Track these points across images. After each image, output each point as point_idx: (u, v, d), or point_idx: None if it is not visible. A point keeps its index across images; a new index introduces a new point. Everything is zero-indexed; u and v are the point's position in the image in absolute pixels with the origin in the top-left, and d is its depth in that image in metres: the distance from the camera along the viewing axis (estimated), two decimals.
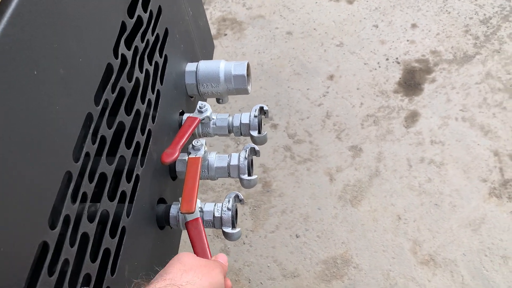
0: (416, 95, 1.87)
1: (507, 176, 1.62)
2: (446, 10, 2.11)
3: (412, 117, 1.81)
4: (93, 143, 0.64)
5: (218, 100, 1.09)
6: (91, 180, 0.63)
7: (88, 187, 0.62)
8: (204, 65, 1.01)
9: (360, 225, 1.59)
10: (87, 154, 0.63)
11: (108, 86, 0.68)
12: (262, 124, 1.00)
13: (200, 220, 0.82)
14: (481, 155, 1.68)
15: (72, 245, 0.58)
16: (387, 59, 1.99)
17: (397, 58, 1.99)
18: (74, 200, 0.59)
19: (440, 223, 1.56)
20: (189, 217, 0.82)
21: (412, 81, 1.92)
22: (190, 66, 1.02)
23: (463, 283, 1.44)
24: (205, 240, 0.80)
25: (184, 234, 1.65)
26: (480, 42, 1.98)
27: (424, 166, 1.68)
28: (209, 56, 1.22)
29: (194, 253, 0.79)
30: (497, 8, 2.07)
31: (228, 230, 0.85)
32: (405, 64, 1.96)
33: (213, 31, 2.22)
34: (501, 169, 1.64)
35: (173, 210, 0.85)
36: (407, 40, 2.03)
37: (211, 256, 0.78)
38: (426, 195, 1.62)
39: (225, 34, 2.20)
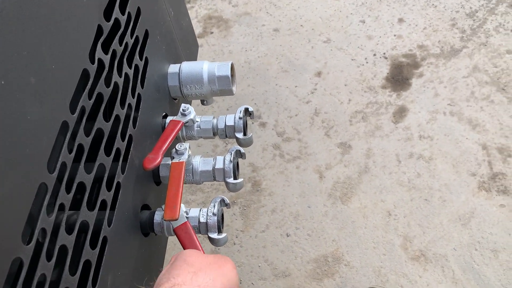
0: (404, 90, 1.87)
1: (496, 169, 1.62)
2: (433, 4, 2.10)
3: (401, 113, 1.81)
4: (70, 152, 0.62)
5: (202, 102, 1.07)
6: (68, 190, 0.61)
7: (65, 198, 0.60)
8: (187, 67, 0.99)
9: (350, 222, 1.59)
10: (64, 164, 0.61)
11: (84, 93, 0.65)
12: (248, 124, 0.98)
13: (188, 224, 0.80)
14: (469, 149, 1.68)
15: (49, 259, 0.56)
16: (374, 55, 1.98)
17: (384, 53, 1.98)
18: (50, 212, 0.57)
19: (430, 218, 1.56)
20: (176, 224, 0.80)
21: (399, 76, 1.91)
22: (173, 68, 1.00)
23: (454, 278, 1.44)
24: (197, 242, 0.78)
25: (171, 238, 1.64)
26: (467, 35, 1.98)
27: (413, 162, 1.68)
28: (193, 56, 1.20)
29: None
30: (483, 1, 2.07)
31: (214, 236, 0.83)
32: (393, 59, 1.96)
33: (199, 30, 2.19)
34: (489, 163, 1.64)
35: (158, 216, 0.83)
36: (394, 35, 2.03)
37: None
38: (416, 190, 1.62)
39: (211, 32, 2.18)
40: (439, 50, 1.96)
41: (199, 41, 2.14)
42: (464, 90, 1.83)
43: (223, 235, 0.84)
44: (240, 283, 1.52)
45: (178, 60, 1.04)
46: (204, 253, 0.75)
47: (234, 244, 1.60)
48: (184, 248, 0.76)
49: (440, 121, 1.76)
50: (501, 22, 1.99)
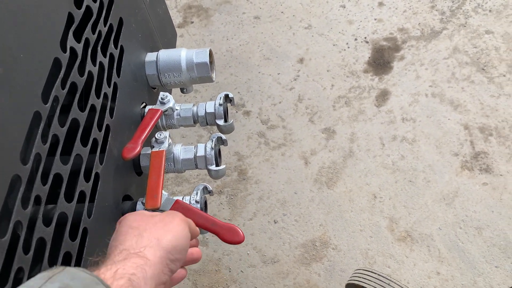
0: (386, 73, 1.87)
1: (478, 148, 1.64)
2: None
3: (383, 96, 1.82)
4: (45, 143, 0.61)
5: (182, 90, 1.06)
6: (44, 182, 0.60)
7: (41, 190, 0.59)
8: (164, 54, 0.98)
9: (336, 206, 1.60)
10: (38, 155, 0.59)
11: (57, 82, 0.64)
12: (232, 113, 0.97)
13: (180, 201, 0.79)
14: (452, 130, 1.70)
15: (26, 252, 0.55)
16: (355, 39, 1.98)
17: (365, 38, 1.98)
18: (25, 204, 0.56)
19: (415, 199, 1.58)
20: (167, 207, 0.78)
21: (381, 60, 1.91)
22: (150, 56, 0.98)
23: (440, 257, 1.46)
24: (200, 211, 0.76)
25: None
26: (446, 17, 1.99)
27: (396, 144, 1.69)
28: (171, 44, 1.18)
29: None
30: None
31: None
32: (374, 43, 1.96)
33: (179, 19, 2.17)
34: (471, 142, 1.66)
35: (139, 206, 0.83)
36: (375, 19, 2.03)
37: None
38: (400, 172, 1.63)
39: (192, 22, 2.16)
40: (420, 32, 1.96)
41: (180, 31, 2.12)
42: (445, 71, 1.84)
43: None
44: (230, 271, 1.52)
45: (155, 49, 1.03)
46: (214, 220, 0.75)
47: None
48: (196, 225, 0.74)
49: (422, 103, 1.77)
50: (479, 3, 2.00)
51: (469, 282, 1.41)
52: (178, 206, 0.78)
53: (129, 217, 0.58)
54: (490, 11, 1.97)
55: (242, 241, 0.72)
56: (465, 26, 1.94)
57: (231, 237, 0.72)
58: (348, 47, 1.96)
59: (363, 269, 1.26)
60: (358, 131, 1.74)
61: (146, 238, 0.53)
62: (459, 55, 1.87)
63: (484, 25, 1.93)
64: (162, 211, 0.79)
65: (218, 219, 0.75)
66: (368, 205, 1.58)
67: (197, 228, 0.65)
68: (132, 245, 0.52)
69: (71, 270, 0.44)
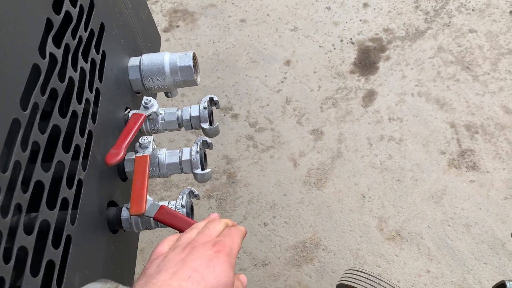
0: (372, 74, 1.88)
1: (464, 146, 1.66)
2: None
3: (370, 96, 1.82)
4: (25, 150, 0.60)
5: (167, 94, 1.05)
6: (25, 190, 0.59)
7: (21, 198, 0.58)
8: (147, 59, 0.97)
9: (326, 207, 1.60)
10: (18, 163, 0.58)
11: (36, 88, 0.63)
12: (220, 116, 0.97)
13: (165, 206, 0.79)
14: (438, 128, 1.71)
15: (7, 261, 0.54)
16: (341, 41, 1.99)
17: (351, 39, 1.99)
18: (5, 213, 0.55)
19: (403, 198, 1.58)
20: (152, 212, 0.78)
21: (367, 60, 1.92)
22: (133, 61, 0.97)
23: (429, 255, 1.47)
24: (185, 217, 0.76)
25: (148, 236, 1.61)
26: (431, 17, 2.00)
27: (384, 144, 1.70)
28: (155, 49, 1.17)
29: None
30: None
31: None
32: (359, 44, 1.97)
33: (164, 24, 2.16)
34: (458, 140, 1.67)
35: (125, 212, 0.82)
36: (360, 20, 2.04)
37: None
38: (388, 172, 1.64)
39: (178, 26, 2.15)
40: (404, 32, 1.98)
41: (165, 35, 2.11)
42: (431, 70, 1.85)
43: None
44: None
45: (138, 53, 1.02)
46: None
47: None
48: (180, 231, 0.73)
49: (409, 102, 1.79)
50: (462, 2, 2.02)
51: (458, 279, 1.42)
52: (163, 212, 0.77)
53: (164, 241, 0.57)
54: (473, 10, 1.99)
55: None
56: (449, 25, 1.96)
57: None
58: (334, 49, 1.97)
59: (353, 269, 1.26)
60: (345, 132, 1.75)
61: (183, 276, 0.50)
62: (444, 54, 1.89)
63: (468, 24, 1.95)
64: (147, 217, 0.78)
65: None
66: (357, 205, 1.59)
67: (243, 278, 0.60)
68: (165, 281, 0.49)
69: None
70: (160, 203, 0.79)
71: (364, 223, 1.55)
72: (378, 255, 1.49)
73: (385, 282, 1.20)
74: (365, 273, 1.22)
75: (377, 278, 1.20)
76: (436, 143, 1.68)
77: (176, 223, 0.76)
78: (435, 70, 1.85)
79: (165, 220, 0.77)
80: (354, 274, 1.24)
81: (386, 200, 1.58)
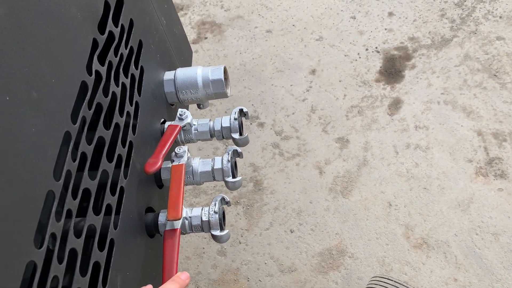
0: (398, 82, 1.90)
1: (492, 154, 1.65)
2: None
3: (395, 104, 1.84)
4: (74, 160, 0.66)
5: (199, 106, 1.10)
6: (74, 196, 0.65)
7: (72, 204, 0.64)
8: (181, 73, 1.03)
9: (352, 215, 1.62)
10: (69, 172, 0.64)
11: (84, 104, 0.69)
12: (246, 125, 1.01)
13: (178, 232, 0.83)
14: (465, 136, 1.71)
15: (60, 262, 0.59)
16: (366, 49, 2.01)
17: (376, 48, 2.01)
18: (59, 218, 0.61)
19: (430, 206, 1.59)
20: (169, 226, 0.83)
21: (392, 69, 1.94)
22: (168, 75, 1.03)
23: (456, 263, 1.47)
24: (176, 253, 0.81)
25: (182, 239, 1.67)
26: (457, 25, 2.01)
27: (410, 152, 1.71)
28: (187, 62, 1.23)
29: (162, 264, 0.78)
30: None
31: (217, 232, 0.87)
32: (385, 53, 1.99)
33: (193, 35, 2.23)
34: (485, 148, 1.67)
35: (161, 218, 0.87)
36: (385, 29, 2.06)
37: (176, 272, 0.77)
38: (415, 180, 1.65)
39: (206, 38, 2.22)
40: (430, 41, 1.99)
41: (194, 47, 2.18)
42: (457, 78, 1.86)
43: (225, 231, 0.87)
44: (248, 281, 1.55)
45: (173, 67, 1.08)
46: (177, 265, 0.78)
47: (240, 243, 1.63)
48: (163, 254, 0.78)
49: (435, 110, 1.79)
50: (489, 10, 2.01)
51: None
52: (171, 233, 0.82)
53: None
54: (500, 17, 1.98)
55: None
56: (475, 33, 1.96)
57: None
58: (360, 57, 2.00)
59: (380, 277, 1.27)
60: (371, 140, 1.77)
61: None
62: (471, 62, 1.89)
63: (495, 31, 1.95)
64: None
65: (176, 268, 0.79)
66: (383, 213, 1.60)
67: None
68: None
69: None
70: (186, 221, 0.85)
71: (391, 231, 1.56)
72: (405, 263, 1.50)
73: None
74: (392, 280, 1.24)
75: (404, 286, 1.21)
76: (463, 151, 1.68)
77: (166, 252, 0.81)
78: (461, 78, 1.85)
79: (165, 241, 0.81)
80: (381, 281, 1.26)
81: (412, 208, 1.59)
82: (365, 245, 1.55)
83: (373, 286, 1.26)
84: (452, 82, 1.85)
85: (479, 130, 1.71)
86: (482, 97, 1.79)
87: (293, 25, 2.17)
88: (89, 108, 0.71)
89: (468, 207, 1.56)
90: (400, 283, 1.22)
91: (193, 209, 0.88)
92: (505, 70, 1.83)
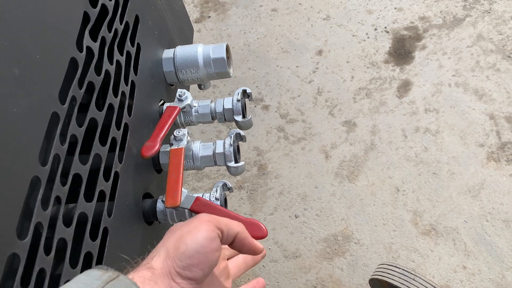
0: (407, 63, 1.83)
1: (504, 138, 1.59)
2: None
3: (405, 87, 1.77)
4: (63, 143, 0.61)
5: (200, 86, 1.05)
6: (63, 182, 0.60)
7: (61, 190, 0.59)
8: (181, 51, 0.97)
9: (358, 200, 1.57)
10: (57, 156, 0.59)
11: (74, 82, 0.64)
12: (251, 108, 0.96)
13: (201, 198, 0.78)
14: (477, 120, 1.65)
15: (47, 253, 0.55)
16: (375, 29, 1.94)
17: (385, 27, 1.94)
18: (46, 205, 0.56)
19: (439, 192, 1.54)
20: (188, 204, 0.78)
21: (402, 49, 1.87)
22: (167, 53, 0.98)
23: (466, 250, 1.43)
24: (221, 208, 0.76)
25: None
26: (469, 3, 1.92)
27: (419, 136, 1.65)
28: (188, 40, 1.17)
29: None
30: None
31: None
32: (394, 33, 1.91)
33: (196, 14, 2.16)
34: (498, 132, 1.61)
35: (160, 204, 0.83)
36: (395, 8, 1.98)
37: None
38: (424, 164, 1.59)
39: (209, 16, 2.15)
40: (442, 20, 1.91)
41: (197, 26, 2.11)
42: (469, 60, 1.78)
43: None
44: None
45: (172, 45, 1.02)
46: (237, 216, 0.72)
47: None
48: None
49: (446, 93, 1.73)
50: None
51: (497, 276, 1.37)
52: (199, 203, 0.78)
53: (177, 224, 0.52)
54: None
55: (265, 236, 0.71)
56: (489, 12, 1.88)
57: (254, 232, 0.71)
58: (368, 38, 1.92)
59: (386, 264, 1.23)
60: (379, 123, 1.71)
61: (159, 247, 0.48)
62: (484, 43, 1.81)
63: (510, 11, 1.86)
64: (183, 208, 0.79)
65: (239, 214, 0.74)
66: (391, 198, 1.55)
67: (232, 226, 0.53)
68: (148, 257, 0.48)
69: (126, 281, 0.42)
70: (195, 195, 0.80)
71: (398, 217, 1.52)
72: (412, 249, 1.46)
73: (419, 277, 1.17)
74: (399, 268, 1.20)
75: (412, 274, 1.17)
76: (474, 135, 1.62)
77: (213, 213, 0.76)
78: (473, 59, 1.78)
79: (202, 211, 0.77)
80: (388, 268, 1.22)
81: (421, 193, 1.54)
82: (371, 231, 1.51)
83: (380, 273, 1.22)
84: (464, 63, 1.78)
85: (491, 114, 1.65)
86: (495, 79, 1.72)
87: (300, 4, 2.09)
88: (80, 88, 0.66)
89: (479, 193, 1.51)
90: (407, 271, 1.19)
91: (194, 195, 0.84)
92: None
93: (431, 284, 1.15)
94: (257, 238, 0.70)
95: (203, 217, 0.51)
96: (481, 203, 1.49)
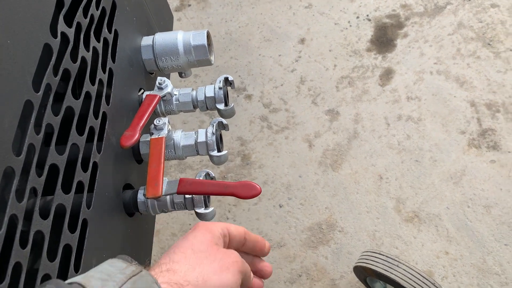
0: (389, 51, 1.83)
1: (485, 125, 1.61)
2: None
3: (387, 75, 1.78)
4: (38, 132, 0.59)
5: (180, 74, 1.03)
6: (39, 173, 0.58)
7: (37, 182, 0.57)
8: (160, 38, 0.95)
9: (342, 189, 1.57)
10: (32, 146, 0.57)
11: (48, 69, 0.61)
12: (234, 97, 0.95)
13: (184, 178, 0.77)
14: (458, 107, 1.66)
15: (23, 246, 0.53)
16: (357, 17, 1.93)
17: (367, 15, 1.93)
18: (20, 197, 0.54)
19: (422, 179, 1.55)
20: (173, 186, 0.77)
21: (384, 37, 1.87)
22: (146, 40, 0.95)
23: (448, 236, 1.45)
24: (208, 180, 0.76)
25: (164, 219, 1.61)
26: None
27: (402, 123, 1.66)
28: (167, 28, 1.15)
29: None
30: None
31: (201, 210, 0.81)
32: (376, 21, 1.91)
33: (176, 3, 2.12)
34: (478, 119, 1.63)
35: (141, 195, 0.81)
36: None
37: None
38: (406, 152, 1.60)
39: (189, 5, 2.11)
40: (423, 8, 1.91)
41: (177, 14, 2.08)
42: (450, 47, 1.79)
43: (210, 209, 0.81)
44: None
45: (151, 32, 1.00)
46: (227, 183, 0.73)
47: (227, 218, 1.58)
48: (212, 194, 0.74)
49: (427, 81, 1.73)
50: None
51: (478, 261, 1.39)
52: (184, 184, 0.76)
53: (199, 235, 0.53)
54: None
55: (260, 192, 0.72)
56: (469, 0, 1.89)
57: (248, 192, 0.72)
58: (350, 26, 1.92)
59: (370, 251, 1.24)
60: (362, 112, 1.71)
61: (196, 274, 0.48)
62: (464, 31, 1.82)
63: None
64: (170, 194, 0.77)
65: (228, 181, 0.74)
66: (374, 186, 1.56)
67: (251, 276, 0.57)
68: (179, 272, 0.47)
69: (147, 279, 0.43)
70: (177, 179, 0.78)
71: (381, 205, 1.53)
72: (396, 236, 1.47)
73: (403, 264, 1.18)
74: (383, 255, 1.21)
75: (395, 260, 1.18)
76: (455, 123, 1.63)
77: (204, 188, 0.75)
78: (454, 47, 1.79)
79: (190, 190, 0.76)
80: (372, 256, 1.23)
81: (404, 181, 1.55)
82: (355, 219, 1.52)
83: (364, 261, 1.23)
84: (445, 51, 1.79)
85: (472, 101, 1.66)
86: (475, 67, 1.73)
87: None
88: (55, 75, 0.63)
89: (460, 179, 1.53)
90: (391, 258, 1.19)
91: (176, 180, 0.82)
92: (499, 39, 1.78)
93: (414, 270, 1.16)
94: (252, 196, 0.71)
95: (239, 266, 0.53)
96: (462, 190, 1.51)
